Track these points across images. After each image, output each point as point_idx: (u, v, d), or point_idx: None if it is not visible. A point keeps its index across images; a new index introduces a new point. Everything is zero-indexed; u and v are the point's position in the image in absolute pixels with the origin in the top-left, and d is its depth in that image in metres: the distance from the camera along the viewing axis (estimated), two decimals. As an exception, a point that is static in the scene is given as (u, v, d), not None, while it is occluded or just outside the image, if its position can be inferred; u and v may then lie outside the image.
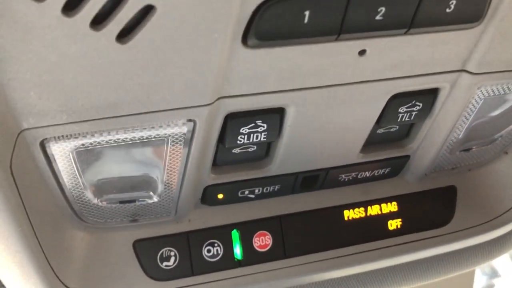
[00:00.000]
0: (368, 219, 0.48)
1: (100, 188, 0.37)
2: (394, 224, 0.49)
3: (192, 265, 0.44)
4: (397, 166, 0.47)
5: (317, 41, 0.29)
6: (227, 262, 0.45)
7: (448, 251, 0.53)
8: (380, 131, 0.42)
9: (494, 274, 1.74)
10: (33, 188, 0.33)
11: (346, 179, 0.46)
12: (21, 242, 0.33)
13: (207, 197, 0.43)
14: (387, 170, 0.47)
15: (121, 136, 0.32)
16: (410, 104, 0.38)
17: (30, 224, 0.34)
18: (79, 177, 0.35)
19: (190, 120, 0.32)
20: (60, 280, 0.39)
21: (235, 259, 0.45)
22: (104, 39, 0.25)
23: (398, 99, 0.37)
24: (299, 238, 0.46)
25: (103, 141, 0.32)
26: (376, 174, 0.47)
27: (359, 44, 0.31)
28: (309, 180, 0.45)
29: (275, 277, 0.46)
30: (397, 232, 0.49)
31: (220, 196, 0.43)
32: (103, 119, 0.30)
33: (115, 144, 0.33)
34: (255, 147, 0.39)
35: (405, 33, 0.31)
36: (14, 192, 0.31)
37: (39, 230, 0.35)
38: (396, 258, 0.49)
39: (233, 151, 0.39)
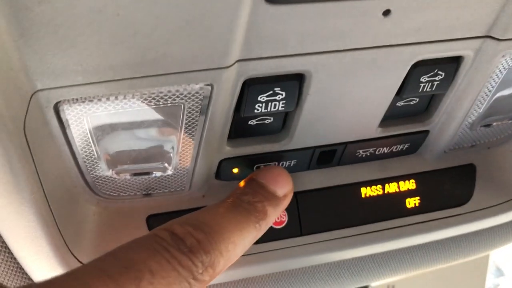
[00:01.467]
0: (385, 196, 0.47)
1: (114, 158, 0.36)
2: (412, 202, 0.48)
3: (206, 241, 0.43)
4: (416, 142, 0.46)
5: (342, -2, 0.28)
6: (242, 239, 0.44)
7: (467, 231, 0.52)
8: (400, 103, 0.41)
9: (499, 273, 1.74)
10: (46, 155, 0.33)
11: (363, 155, 0.45)
12: (33, 209, 0.32)
13: (222, 171, 0.42)
14: (406, 146, 0.46)
15: (137, 101, 0.31)
16: (432, 73, 0.37)
17: (43, 192, 0.33)
18: (93, 145, 0.34)
19: (207, 85, 0.31)
20: (71, 252, 0.38)
21: (250, 236, 0.44)
22: (123, -9, 0.24)
23: (420, 67, 0.36)
24: (315, 215, 0.45)
25: (118, 106, 0.31)
26: (394, 150, 0.46)
27: (383, 3, 0.30)
28: (326, 155, 0.44)
29: (290, 255, 0.45)
30: (415, 211, 0.48)
31: (235, 170, 0.42)
32: (119, 81, 0.29)
33: (131, 110, 0.32)
34: (272, 118, 0.38)
35: (432, -7, 0.30)
36: (27, 156, 0.30)
37: (52, 199, 0.34)
38: (414, 237, 0.48)
39: (250, 122, 0.38)
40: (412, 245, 0.51)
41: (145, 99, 0.31)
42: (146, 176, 0.39)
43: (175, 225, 0.31)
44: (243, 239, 0.33)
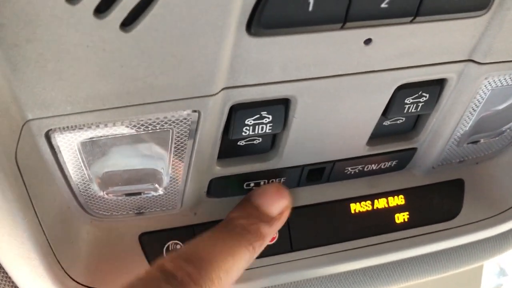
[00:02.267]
0: (375, 212, 0.48)
1: (106, 180, 0.37)
2: (401, 217, 0.49)
3: (198, 258, 0.44)
4: (404, 159, 0.47)
5: (322, 30, 0.29)
6: (233, 255, 0.44)
7: (456, 245, 0.52)
8: (386, 123, 0.42)
9: (502, 273, 1.74)
10: (38, 180, 0.34)
11: (352, 172, 0.46)
12: (27, 233, 0.33)
13: (213, 189, 0.43)
14: (394, 163, 0.47)
15: (126, 128, 0.32)
16: (417, 95, 0.38)
17: (36, 215, 0.34)
18: (84, 169, 0.35)
19: (194, 111, 0.32)
20: (66, 272, 0.39)
21: (241, 252, 0.45)
22: (107, 27, 0.25)
23: (404, 90, 0.37)
24: (305, 231, 0.46)
25: (108, 132, 0.32)
26: (382, 167, 0.47)
27: (364, 33, 0.31)
28: (315, 173, 0.45)
29: (281, 270, 0.46)
30: (404, 226, 0.49)
31: (226, 188, 0.43)
32: (107, 110, 0.30)
33: (120, 136, 0.33)
34: (261, 139, 0.39)
35: (411, 22, 0.30)
36: (19, 183, 0.31)
37: (44, 222, 0.35)
38: (404, 252, 0.49)
39: (239, 143, 0.39)
40: (402, 258, 0.52)
41: (134, 126, 0.32)
42: (137, 196, 0.40)
43: (165, 261, 0.32)
44: (237, 265, 0.34)
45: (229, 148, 0.39)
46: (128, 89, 0.29)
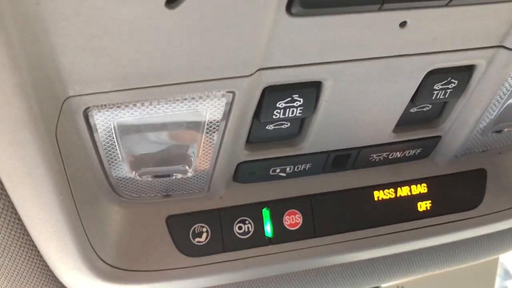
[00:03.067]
0: (397, 200, 0.48)
1: (138, 161, 0.38)
2: (423, 205, 0.49)
3: (224, 241, 0.44)
4: (429, 147, 0.47)
5: (360, 10, 0.29)
6: (258, 239, 0.45)
7: (477, 234, 0.53)
8: (413, 110, 0.42)
9: (507, 276, 1.73)
10: (74, 158, 0.34)
11: (377, 159, 0.46)
12: (61, 210, 0.34)
13: (240, 174, 0.43)
14: (418, 151, 0.47)
15: (162, 107, 0.33)
16: (446, 81, 0.38)
17: (71, 193, 0.34)
18: (118, 149, 0.36)
19: (229, 92, 0.33)
20: (95, 252, 0.40)
21: (266, 237, 0.45)
22: (153, 4, 0.25)
23: (434, 75, 0.37)
24: (329, 217, 0.47)
25: (144, 112, 0.33)
26: (407, 155, 0.47)
27: (400, 15, 0.31)
28: (341, 159, 0.45)
29: (305, 255, 0.46)
30: (426, 214, 0.49)
31: (252, 173, 0.44)
32: (146, 88, 0.30)
33: (155, 115, 0.33)
34: (289, 124, 0.40)
35: (447, 5, 0.31)
36: (58, 159, 0.31)
37: (78, 200, 0.36)
38: (425, 240, 0.49)
39: (267, 127, 0.39)
40: (423, 247, 0.52)
41: (170, 105, 0.33)
42: (166, 178, 0.41)
43: None
44: None
45: (257, 132, 0.40)
46: (168, 67, 0.29)
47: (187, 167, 0.39)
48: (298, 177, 0.46)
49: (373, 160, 0.46)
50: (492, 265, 1.02)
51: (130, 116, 0.33)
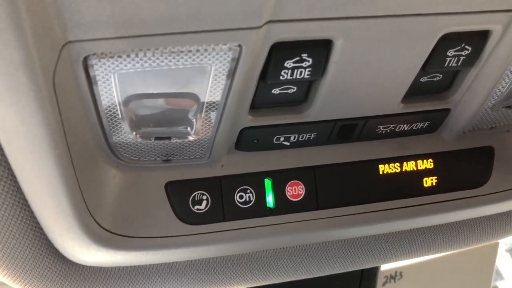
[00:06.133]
0: (403, 174, 0.47)
1: (138, 120, 0.36)
2: (429, 181, 0.48)
3: (224, 210, 0.43)
4: (437, 120, 0.46)
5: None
6: (259, 209, 0.44)
7: (481, 215, 0.51)
8: (423, 79, 0.41)
9: (498, 276, 1.74)
10: (72, 112, 0.33)
11: (383, 132, 0.45)
12: (57, 165, 0.32)
13: (242, 141, 0.42)
14: (426, 124, 0.46)
15: (165, 59, 0.31)
16: (459, 47, 0.37)
17: (68, 148, 0.33)
18: (118, 105, 0.34)
19: (236, 46, 0.31)
20: (91, 215, 0.38)
21: (267, 207, 0.44)
22: None
23: (448, 40, 0.36)
24: (332, 190, 0.45)
25: (146, 63, 0.31)
26: (414, 128, 0.46)
27: (418, -32, 0.30)
28: (347, 130, 0.44)
29: (306, 227, 0.45)
30: (432, 190, 0.48)
31: (255, 141, 0.42)
32: (149, 36, 0.29)
33: (158, 69, 0.32)
34: (295, 88, 0.38)
35: (466, -41, 0.29)
36: (55, 110, 0.30)
37: (75, 157, 0.34)
38: (430, 217, 0.48)
39: (273, 91, 0.38)
40: (426, 225, 0.51)
41: (174, 58, 0.31)
42: (167, 141, 0.39)
43: None
44: None
45: (262, 96, 0.38)
46: (174, 14, 0.28)
47: (189, 128, 0.38)
48: (301, 148, 0.45)
49: (379, 132, 0.45)
50: (491, 253, 1.01)
51: (131, 68, 0.32)
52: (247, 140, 0.42)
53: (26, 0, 0.24)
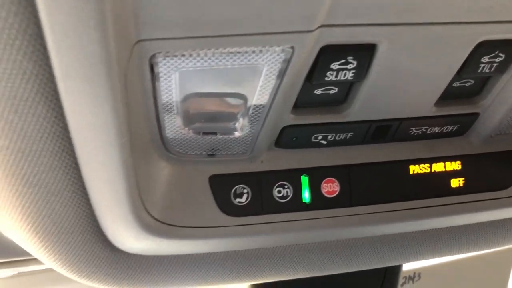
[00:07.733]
0: (432, 175, 0.49)
1: (192, 115, 0.39)
2: (456, 182, 0.50)
3: (263, 204, 0.45)
4: (466, 123, 0.48)
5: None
6: (296, 204, 0.46)
7: (506, 216, 0.53)
8: (456, 84, 0.43)
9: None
10: (136, 106, 0.35)
11: (415, 133, 0.47)
12: (121, 154, 0.35)
13: (283, 138, 0.44)
14: (456, 127, 0.48)
15: (223, 59, 0.34)
16: (493, 54, 0.39)
17: (130, 139, 0.35)
18: (175, 101, 0.37)
19: (289, 48, 0.34)
20: (143, 204, 0.41)
21: (303, 202, 0.46)
22: None
23: (483, 47, 0.38)
24: (365, 188, 0.48)
25: (206, 63, 0.34)
26: (444, 131, 0.48)
27: (462, -21, 0.32)
28: (381, 130, 0.46)
29: (339, 223, 0.47)
30: (459, 191, 0.50)
31: (295, 139, 0.45)
32: (213, 37, 0.32)
33: (216, 67, 0.34)
34: (337, 89, 0.41)
35: (508, -28, 0.32)
36: (124, 102, 0.33)
37: (134, 148, 0.37)
38: (456, 217, 0.50)
39: (315, 91, 0.41)
40: (452, 225, 0.53)
41: (231, 58, 0.34)
42: (213, 136, 0.42)
43: None
44: None
45: (305, 96, 0.41)
46: (237, 17, 0.30)
47: (236, 125, 0.41)
48: (336, 147, 0.47)
49: (411, 133, 0.47)
50: (507, 263, 1.03)
51: (191, 67, 0.34)
52: (287, 138, 0.44)
53: (111, 0, 0.27)
